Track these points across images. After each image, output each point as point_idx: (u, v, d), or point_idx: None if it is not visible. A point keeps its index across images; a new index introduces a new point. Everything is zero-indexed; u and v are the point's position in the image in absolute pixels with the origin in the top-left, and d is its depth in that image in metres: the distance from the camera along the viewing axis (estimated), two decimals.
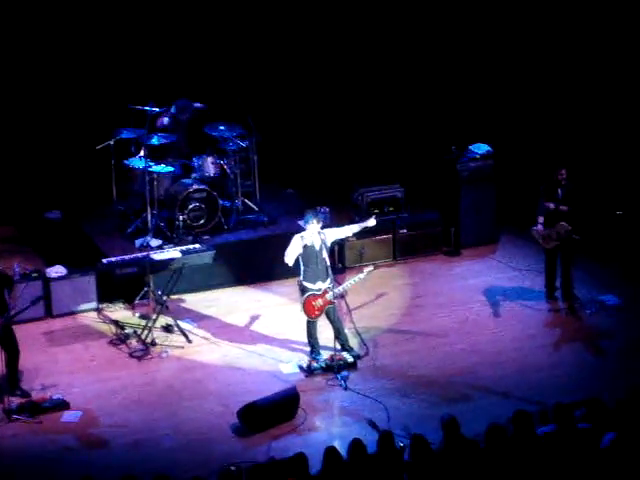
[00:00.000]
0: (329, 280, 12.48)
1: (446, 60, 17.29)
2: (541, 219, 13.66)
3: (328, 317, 12.59)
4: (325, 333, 12.76)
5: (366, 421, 10.07)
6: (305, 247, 12.42)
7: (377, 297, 14.20)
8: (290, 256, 12.48)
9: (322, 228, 12.61)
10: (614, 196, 15.58)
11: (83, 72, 16.30)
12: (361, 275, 12.72)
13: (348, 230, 12.90)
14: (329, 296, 12.47)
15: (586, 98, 16.53)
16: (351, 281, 12.72)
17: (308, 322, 12.63)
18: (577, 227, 13.53)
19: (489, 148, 15.49)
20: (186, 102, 15.12)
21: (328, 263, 12.52)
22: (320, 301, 12.49)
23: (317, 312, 12.53)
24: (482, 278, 14.69)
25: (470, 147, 15.51)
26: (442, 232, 15.43)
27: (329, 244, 12.54)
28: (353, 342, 12.87)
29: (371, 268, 12.89)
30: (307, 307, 12.51)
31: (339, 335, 12.65)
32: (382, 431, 9.29)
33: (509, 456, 9.00)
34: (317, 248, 12.43)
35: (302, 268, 12.49)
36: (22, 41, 16.00)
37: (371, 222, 12.88)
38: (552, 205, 13.53)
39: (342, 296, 12.69)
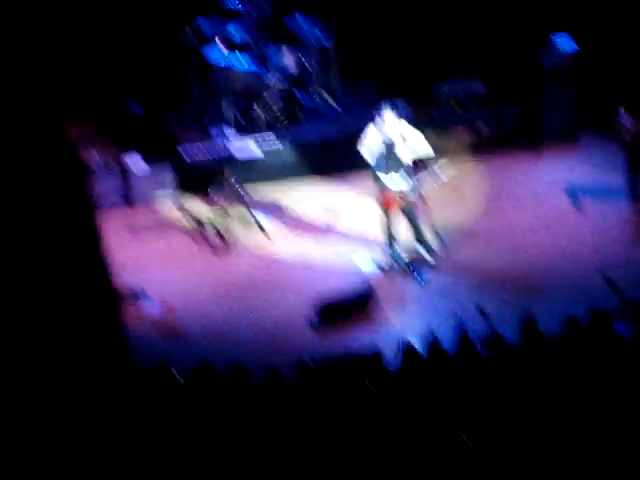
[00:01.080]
0: (404, 173, 12.28)
1: None
2: (625, 120, 13.35)
3: (405, 213, 12.49)
4: (402, 230, 12.68)
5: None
6: (379, 137, 12.21)
7: (456, 194, 14.06)
8: (363, 144, 12.27)
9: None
10: None
11: None
12: (436, 169, 12.47)
13: (426, 149, 12.48)
14: (404, 189, 12.30)
15: None
16: (426, 175, 12.46)
17: (385, 216, 12.53)
18: None
19: (575, 46, 15.08)
20: None
21: (405, 159, 12.33)
22: (395, 194, 12.33)
23: (392, 204, 12.36)
24: (563, 175, 14.47)
25: (555, 40, 15.09)
26: (524, 128, 15.18)
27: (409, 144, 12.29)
28: (430, 239, 12.79)
29: (445, 160, 12.66)
30: (382, 199, 12.36)
31: (416, 231, 12.57)
32: (460, 330, 9.23)
33: (587, 353, 8.92)
34: (391, 140, 12.22)
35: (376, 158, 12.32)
36: None
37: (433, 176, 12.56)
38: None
39: (418, 191, 12.55)
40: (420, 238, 12.61)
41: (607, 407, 8.46)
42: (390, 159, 12.24)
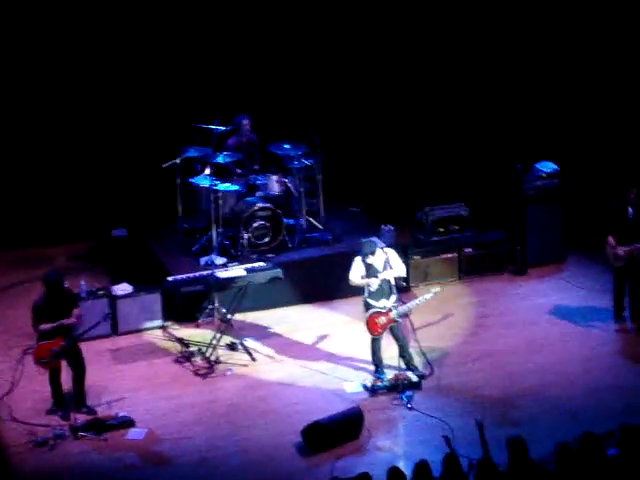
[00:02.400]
0: (393, 298, 12.45)
1: (511, 77, 17.17)
2: (611, 239, 13.48)
3: (393, 335, 12.55)
4: (389, 352, 12.70)
5: (442, 437, 9.94)
6: (368, 266, 12.40)
7: (442, 316, 14.12)
8: (354, 276, 12.47)
9: (387, 247, 12.59)
10: None
11: (150, 92, 16.45)
12: (427, 295, 12.64)
13: (400, 271, 12.63)
14: (393, 314, 12.44)
15: None
16: (417, 301, 12.64)
17: (372, 340, 12.60)
18: None
19: (555, 166, 15.37)
20: (243, 117, 15.19)
21: (392, 282, 12.49)
22: (383, 319, 12.46)
23: (380, 330, 12.50)
24: (548, 298, 14.56)
25: (536, 165, 15.41)
26: (508, 251, 15.33)
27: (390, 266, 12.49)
28: (417, 361, 12.81)
29: (438, 289, 12.79)
30: (370, 324, 12.49)
31: (403, 354, 12.60)
32: (447, 452, 9.18)
33: (577, 478, 8.86)
34: (380, 267, 12.39)
35: (366, 286, 12.47)
36: (87, 62, 16.18)
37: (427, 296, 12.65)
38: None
39: (407, 315, 12.62)
40: (408, 361, 12.63)
41: None
42: (379, 286, 12.35)
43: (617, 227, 13.47)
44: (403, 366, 12.55)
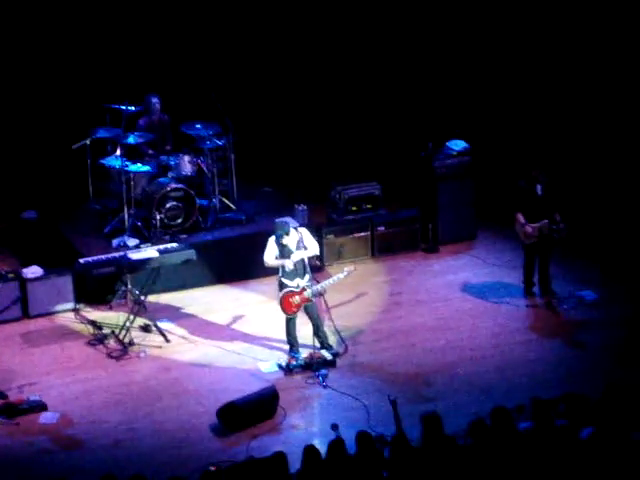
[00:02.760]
0: (307, 277, 12.48)
1: (422, 55, 17.28)
2: (520, 216, 13.66)
3: (307, 314, 12.59)
4: (304, 331, 12.74)
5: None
6: (282, 246, 12.41)
7: (356, 295, 14.18)
8: (269, 257, 12.47)
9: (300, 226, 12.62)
10: (592, 191, 15.65)
11: (58, 71, 16.22)
12: (340, 275, 12.69)
13: (314, 250, 12.68)
14: (307, 293, 12.47)
15: (562, 89, 16.57)
16: (330, 280, 12.69)
17: (287, 319, 12.62)
18: (557, 224, 13.54)
19: (466, 144, 15.50)
20: (153, 97, 15.07)
21: (306, 261, 12.52)
22: (297, 298, 12.48)
23: (294, 309, 12.52)
24: (460, 274, 14.71)
25: (447, 143, 15.53)
26: (420, 229, 15.44)
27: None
28: (332, 340, 12.86)
29: (352, 268, 12.82)
30: (285, 304, 12.50)
31: (318, 332, 12.64)
32: (359, 431, 9.25)
33: (490, 452, 8.98)
34: (294, 247, 12.42)
35: (280, 267, 12.48)
36: None
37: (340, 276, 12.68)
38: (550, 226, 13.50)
39: (321, 294, 12.66)
40: (323, 340, 12.68)
41: None
42: (293, 266, 12.36)
43: (526, 204, 13.65)
44: (318, 345, 12.59)
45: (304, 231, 12.67)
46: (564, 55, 16.56)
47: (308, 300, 12.50)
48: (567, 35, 16.49)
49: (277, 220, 12.75)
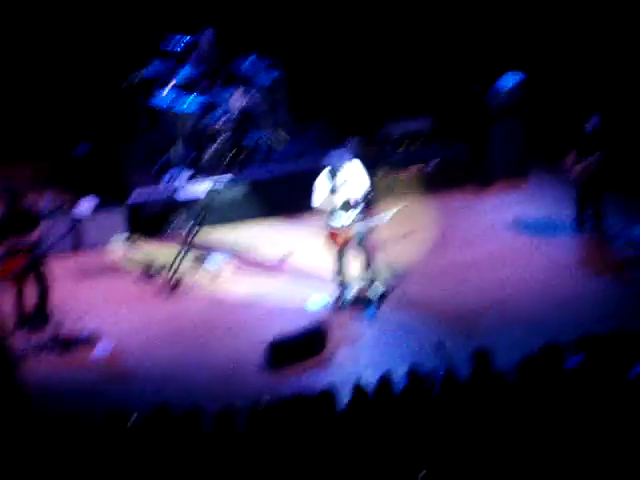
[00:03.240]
0: (354, 214, 12.39)
1: None
2: (570, 159, 13.52)
3: (356, 250, 12.55)
4: (353, 267, 12.72)
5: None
6: (333, 179, 12.32)
7: (407, 231, 14.12)
8: (318, 198, 12.40)
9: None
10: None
11: (106, 8, 16.15)
12: (389, 213, 12.59)
13: (365, 185, 12.55)
14: (354, 230, 12.40)
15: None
16: (379, 218, 12.58)
17: (337, 254, 12.60)
18: (610, 159, 13.38)
19: (518, 78, 15.25)
20: (209, 33, 15.01)
21: (355, 197, 12.43)
22: (343, 235, 12.43)
23: (341, 241, 12.46)
24: (512, 211, 14.59)
25: (500, 79, 15.31)
26: (472, 165, 15.32)
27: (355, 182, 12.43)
28: (383, 276, 12.85)
29: (401, 206, 12.75)
30: (330, 239, 12.48)
31: (368, 268, 12.63)
32: (410, 367, 9.26)
33: (537, 389, 8.97)
34: (345, 181, 12.32)
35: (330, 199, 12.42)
36: None
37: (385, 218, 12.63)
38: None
39: (370, 231, 12.62)
40: (371, 275, 12.67)
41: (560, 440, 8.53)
42: (343, 199, 12.30)
43: (576, 141, 13.49)
44: (367, 280, 12.59)
45: (357, 164, 12.57)
46: None
47: (357, 234, 12.44)
48: None
49: (332, 153, 12.62)
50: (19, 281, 11.95)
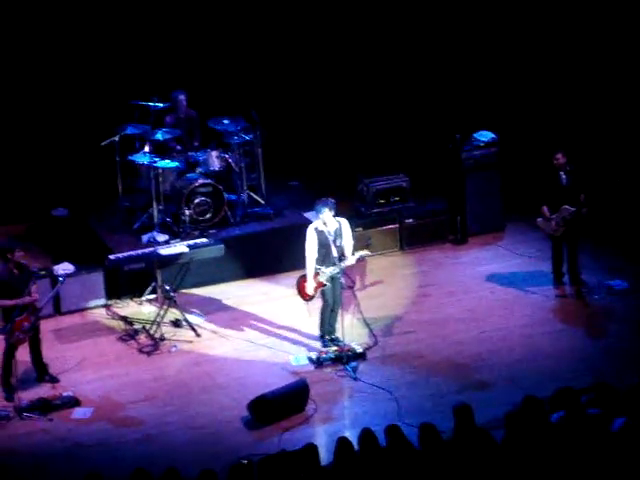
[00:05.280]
0: (339, 264, 12.40)
1: (449, 48, 17.25)
2: (545, 209, 13.64)
3: (322, 299, 12.59)
4: (337, 324, 12.72)
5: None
6: (319, 232, 12.39)
7: (385, 287, 14.21)
8: (310, 250, 12.43)
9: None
10: (616, 178, 15.55)
11: (86, 69, 16.29)
12: (352, 259, 12.57)
13: (348, 248, 12.59)
14: (320, 277, 12.45)
15: (587, 83, 16.50)
16: (342, 264, 12.52)
17: (322, 308, 12.62)
18: (581, 208, 13.50)
19: (493, 135, 15.47)
20: (179, 92, 15.12)
21: (343, 250, 12.45)
22: (312, 282, 12.47)
23: (310, 293, 12.51)
24: (489, 265, 14.70)
25: (474, 135, 15.50)
26: (448, 221, 15.43)
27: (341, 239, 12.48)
28: (362, 332, 12.87)
29: (366, 252, 12.80)
30: (299, 287, 12.56)
31: (323, 318, 12.66)
32: (389, 424, 9.25)
33: (521, 443, 8.98)
34: (330, 235, 12.37)
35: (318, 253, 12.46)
36: (23, 39, 15.98)
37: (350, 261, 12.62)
38: (570, 209, 13.42)
39: (350, 287, 12.66)
40: (324, 328, 12.67)
41: None
42: (325, 249, 12.36)
43: (550, 193, 13.61)
44: (347, 338, 12.56)
45: (343, 221, 12.60)
46: (589, 46, 16.48)
47: (322, 285, 12.48)
48: (592, 27, 16.41)
49: (321, 200, 12.61)
50: (24, 340, 11.95)
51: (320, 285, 12.53)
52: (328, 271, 12.41)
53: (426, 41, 17.28)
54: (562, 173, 13.55)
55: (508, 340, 12.93)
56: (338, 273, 12.46)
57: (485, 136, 15.47)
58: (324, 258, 12.42)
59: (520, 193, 15.56)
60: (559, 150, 13.56)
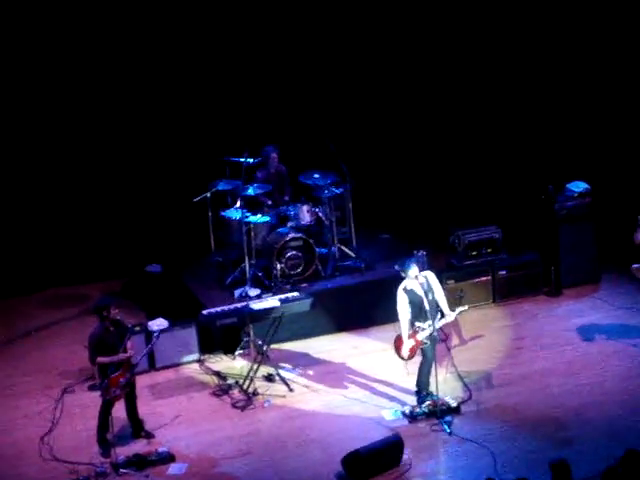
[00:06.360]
0: (433, 320, 12.32)
1: (543, 98, 17.14)
2: (635, 266, 13.43)
3: (428, 355, 12.45)
4: (431, 376, 12.60)
5: None
6: (409, 292, 12.32)
7: (478, 340, 14.07)
8: (402, 311, 12.36)
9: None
10: None
11: (179, 126, 16.55)
12: (451, 315, 12.51)
13: (442, 301, 12.53)
14: (419, 336, 12.36)
15: None
16: (442, 321, 12.50)
17: (421, 363, 12.50)
18: None
19: (587, 186, 15.32)
20: (271, 148, 15.25)
21: (437, 303, 12.36)
22: (411, 341, 12.39)
23: (408, 352, 12.41)
24: (585, 318, 14.48)
25: (568, 185, 15.36)
26: (542, 272, 15.26)
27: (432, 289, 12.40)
28: (455, 386, 12.74)
29: (464, 308, 12.70)
30: (396, 345, 12.47)
31: (420, 377, 12.52)
32: (486, 478, 9.13)
33: None
34: (419, 291, 12.32)
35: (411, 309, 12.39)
36: (117, 97, 16.30)
37: (449, 318, 12.54)
38: None
39: (443, 340, 12.56)
40: (420, 387, 12.53)
41: None
42: (419, 308, 12.29)
43: None
44: (440, 392, 12.45)
45: (430, 274, 12.53)
46: None
47: (422, 343, 12.39)
48: None
49: (405, 260, 12.55)
50: (122, 395, 12.07)
51: (419, 344, 12.41)
52: (428, 329, 12.31)
53: (521, 90, 17.18)
54: None
55: (606, 394, 12.69)
56: (437, 330, 12.37)
57: (578, 187, 15.32)
58: (419, 315, 12.33)
59: (615, 244, 15.33)
60: None
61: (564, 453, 10.40)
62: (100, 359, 12.00)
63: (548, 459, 9.43)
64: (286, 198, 15.34)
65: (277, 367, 13.52)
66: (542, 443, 11.74)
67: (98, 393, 12.18)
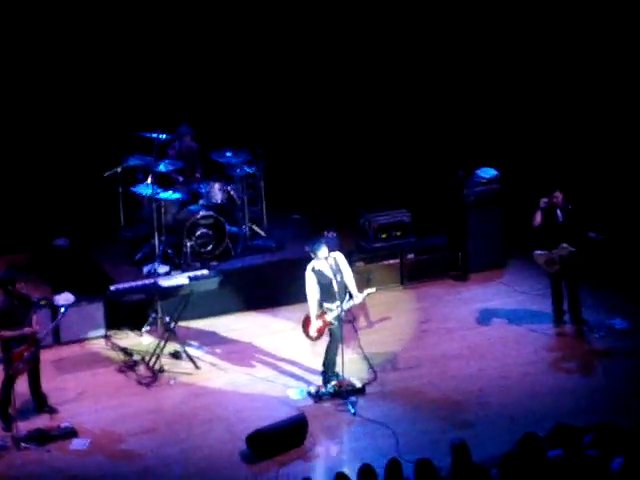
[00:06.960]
0: (341, 301, 12.39)
1: (452, 83, 17.32)
2: (537, 252, 13.67)
3: (335, 335, 12.52)
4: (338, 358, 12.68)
5: None
6: (317, 272, 12.38)
7: (385, 322, 14.20)
8: (311, 292, 12.42)
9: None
10: (616, 216, 15.57)
11: (90, 99, 16.37)
12: (360, 296, 12.60)
13: (350, 282, 12.60)
14: (328, 317, 12.44)
15: (590, 121, 16.56)
16: (349, 303, 12.61)
17: (329, 342, 12.56)
18: (580, 248, 13.51)
19: (496, 172, 15.51)
20: (185, 128, 15.19)
21: (345, 285, 12.44)
22: (319, 321, 12.46)
23: (316, 333, 12.49)
24: (490, 302, 14.69)
25: (477, 171, 15.54)
26: (450, 257, 15.43)
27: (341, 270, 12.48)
28: (361, 367, 12.85)
29: (372, 290, 12.79)
30: (304, 325, 12.53)
31: (326, 357, 12.61)
32: (390, 458, 9.23)
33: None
34: (328, 272, 12.38)
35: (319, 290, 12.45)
36: (30, 67, 16.06)
37: (358, 300, 12.61)
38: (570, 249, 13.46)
39: (350, 321, 12.65)
40: (325, 367, 12.61)
41: None
42: (328, 288, 12.34)
43: (547, 231, 13.62)
44: (346, 373, 12.54)
45: (338, 255, 12.61)
46: (591, 80, 16.56)
47: (329, 324, 12.47)
48: (597, 63, 16.49)
49: (313, 241, 12.66)
50: (24, 370, 11.91)
51: (327, 324, 12.50)
52: (336, 310, 12.39)
53: (430, 77, 17.36)
54: (559, 211, 13.57)
55: (507, 378, 12.91)
56: (344, 311, 12.45)
57: (487, 173, 15.51)
58: (327, 296, 12.40)
59: (522, 230, 15.55)
60: (557, 188, 13.58)
61: (465, 435, 10.49)
62: (4, 333, 11.85)
63: (449, 441, 9.54)
64: (198, 175, 15.29)
65: (184, 344, 13.49)
66: (444, 425, 11.91)
67: (1, 367, 12.05)
